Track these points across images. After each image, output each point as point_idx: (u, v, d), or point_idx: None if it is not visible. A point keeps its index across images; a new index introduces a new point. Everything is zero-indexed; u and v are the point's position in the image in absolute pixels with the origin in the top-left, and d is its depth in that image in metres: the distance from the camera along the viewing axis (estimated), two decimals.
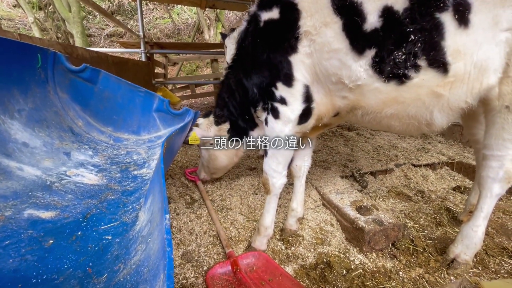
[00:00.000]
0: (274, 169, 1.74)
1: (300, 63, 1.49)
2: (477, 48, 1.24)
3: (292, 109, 1.56)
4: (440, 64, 1.26)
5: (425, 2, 1.23)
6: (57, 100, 1.43)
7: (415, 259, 1.83)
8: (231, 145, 2.10)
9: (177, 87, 7.78)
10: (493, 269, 1.74)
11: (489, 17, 1.22)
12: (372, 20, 1.29)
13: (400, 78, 1.32)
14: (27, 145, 1.10)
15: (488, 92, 1.36)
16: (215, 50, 7.01)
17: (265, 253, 1.83)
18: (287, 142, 1.65)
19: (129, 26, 11.90)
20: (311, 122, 1.61)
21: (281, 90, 1.55)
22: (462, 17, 1.21)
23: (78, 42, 6.08)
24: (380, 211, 2.06)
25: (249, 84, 1.70)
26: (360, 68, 1.36)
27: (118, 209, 1.16)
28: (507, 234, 2.07)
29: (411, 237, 2.01)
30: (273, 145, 1.70)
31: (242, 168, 3.19)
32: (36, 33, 7.55)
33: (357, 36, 1.33)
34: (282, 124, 1.60)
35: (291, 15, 1.47)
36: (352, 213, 2.06)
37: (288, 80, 1.52)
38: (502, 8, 1.21)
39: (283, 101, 1.56)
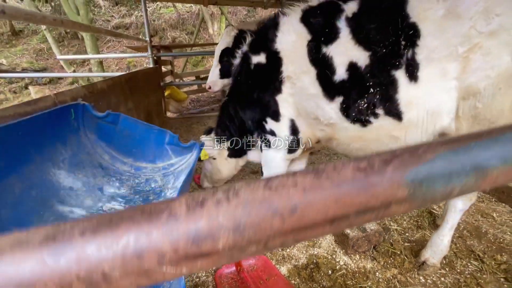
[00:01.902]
0: None
1: (285, 102, 1.74)
2: (428, 97, 1.45)
3: (281, 140, 1.82)
4: (395, 113, 1.48)
5: (382, 60, 1.43)
6: (87, 142, 1.74)
7: (392, 260, 2.13)
8: (232, 161, 2.42)
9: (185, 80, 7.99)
10: (458, 270, 2.03)
11: (437, 71, 1.42)
12: (340, 73, 1.50)
13: (363, 122, 1.55)
14: (72, 189, 1.42)
15: (444, 129, 1.57)
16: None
17: (264, 255, 2.18)
18: (279, 166, 1.93)
19: (133, 17, 11.94)
20: (299, 150, 1.88)
21: (270, 124, 1.81)
22: (412, 74, 1.41)
23: (87, 44, 6.30)
24: None
25: (244, 117, 1.96)
26: (331, 110, 1.60)
27: None
28: (479, 237, 2.34)
29: (391, 240, 2.30)
30: (267, 168, 1.99)
31: (246, 172, 3.50)
32: (49, 39, 7.78)
33: (328, 85, 1.55)
34: (274, 152, 1.87)
35: (275, 61, 1.69)
36: None
37: (276, 116, 1.77)
38: (448, 62, 1.40)
39: (273, 133, 1.83)
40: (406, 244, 2.28)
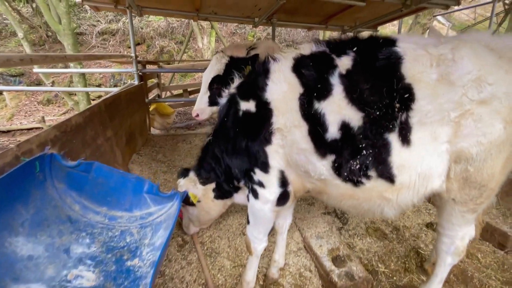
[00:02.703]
0: (256, 236, 1.93)
1: (275, 153, 1.65)
2: (420, 161, 1.42)
3: (269, 192, 1.73)
4: (387, 176, 1.43)
5: (376, 122, 1.38)
6: (55, 193, 1.56)
7: None
8: (219, 202, 2.30)
9: (174, 93, 7.80)
10: None
11: (429, 135, 1.39)
12: (333, 131, 1.44)
13: (355, 182, 1.49)
14: (31, 258, 1.25)
15: (435, 191, 1.54)
16: (209, 60, 6.99)
17: None
18: (266, 217, 1.82)
19: (121, 23, 11.64)
20: (289, 202, 1.79)
21: (259, 175, 1.71)
22: (405, 137, 1.37)
23: (68, 51, 5.99)
24: (353, 262, 2.28)
25: (231, 164, 1.86)
26: (323, 167, 1.53)
27: None
28: (465, 282, 2.32)
29: (379, 287, 2.24)
30: (254, 218, 1.88)
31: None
32: (26, 48, 7.36)
33: (320, 142, 1.49)
34: (262, 203, 1.77)
35: (266, 112, 1.61)
36: (327, 264, 2.28)
37: (265, 167, 1.68)
38: (440, 126, 1.38)
39: (261, 184, 1.72)
40: None
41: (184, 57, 9.73)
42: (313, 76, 1.50)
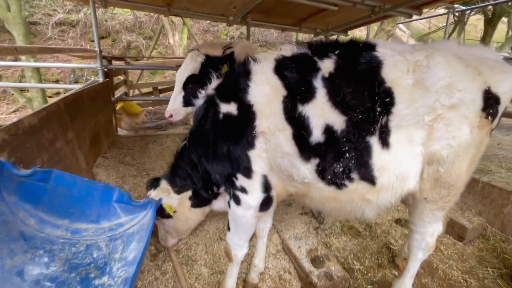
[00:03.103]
0: (237, 243, 1.86)
1: (258, 157, 1.60)
2: (398, 163, 1.47)
3: (252, 197, 1.67)
4: (369, 178, 1.47)
5: (358, 126, 1.40)
6: (4, 206, 1.34)
7: None
8: (197, 210, 2.16)
9: (142, 91, 7.38)
10: None
11: (404, 137, 1.45)
12: (317, 135, 1.44)
13: (338, 185, 1.50)
14: None
15: (410, 191, 1.61)
16: (182, 57, 6.71)
17: None
18: (248, 224, 1.76)
19: (81, 14, 10.72)
20: (272, 207, 1.74)
21: (241, 180, 1.64)
22: (385, 140, 1.42)
23: (19, 43, 5.29)
24: (331, 262, 2.32)
25: (210, 169, 1.76)
26: (307, 170, 1.52)
27: None
28: (432, 274, 2.49)
29: (356, 285, 2.31)
30: (236, 225, 1.81)
31: None
32: None
33: (304, 146, 1.47)
34: (244, 210, 1.70)
35: (248, 115, 1.55)
36: (307, 265, 2.28)
37: (248, 173, 1.62)
38: (415, 129, 1.45)
39: (243, 190, 1.66)
40: (369, 286, 2.31)
41: (153, 54, 9.25)
42: (296, 78, 1.48)
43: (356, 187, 1.49)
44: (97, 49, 4.20)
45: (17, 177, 1.37)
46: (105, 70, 4.41)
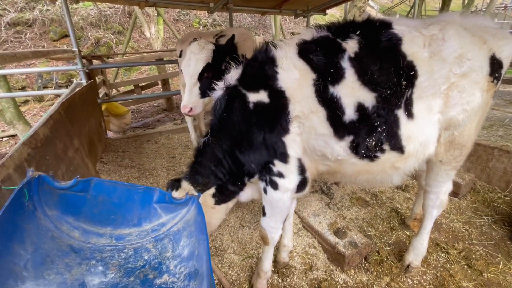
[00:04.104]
0: (273, 226, 1.94)
1: (292, 142, 1.65)
2: (421, 131, 1.61)
3: (289, 181, 1.73)
4: (398, 147, 1.59)
5: (387, 100, 1.50)
6: (48, 222, 1.29)
7: (382, 268, 2.33)
8: (221, 207, 2.10)
9: (120, 90, 7.01)
10: (433, 265, 2.35)
11: (425, 107, 1.58)
12: (350, 113, 1.52)
13: (371, 157, 1.61)
14: None
15: (430, 156, 1.77)
16: (161, 51, 6.39)
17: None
18: (285, 206, 1.84)
19: (36, 11, 9.70)
20: (307, 188, 1.83)
21: (278, 166, 1.70)
22: (409, 112, 1.54)
23: None
24: (352, 231, 2.50)
25: (245, 159, 1.78)
26: (340, 148, 1.61)
27: None
28: (438, 229, 2.76)
29: (376, 248, 2.51)
30: (272, 208, 1.87)
31: None
32: None
33: (338, 125, 1.55)
34: (281, 193, 1.77)
35: (281, 101, 1.58)
36: (331, 238, 2.44)
37: (284, 158, 1.67)
38: (434, 99, 1.58)
39: (281, 175, 1.72)
40: (387, 248, 2.52)
41: (127, 49, 8.73)
42: (323, 61, 1.53)
43: (387, 157, 1.61)
44: (75, 49, 3.91)
45: (58, 190, 1.32)
46: (87, 71, 4.14)
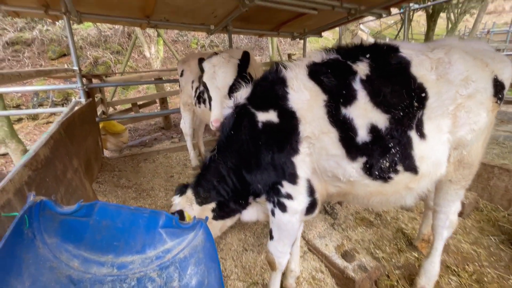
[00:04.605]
0: (280, 251, 1.86)
1: (302, 162, 1.63)
2: (433, 151, 1.61)
3: (298, 202, 1.69)
4: (412, 168, 1.58)
5: (400, 122, 1.51)
6: (47, 252, 1.20)
7: None
8: (217, 223, 2.07)
9: (117, 108, 6.98)
10: None
11: (435, 127, 1.60)
12: (362, 135, 1.51)
13: (385, 178, 1.59)
14: None
15: (441, 175, 1.76)
16: (160, 70, 6.47)
17: None
18: (293, 229, 1.77)
19: (36, 31, 9.84)
20: (317, 210, 1.77)
21: (286, 187, 1.65)
22: (421, 132, 1.54)
23: None
24: (360, 254, 2.41)
25: (251, 179, 1.74)
26: (353, 169, 1.59)
27: None
28: (446, 250, 2.69)
29: (386, 272, 2.42)
30: (280, 232, 1.81)
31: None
32: None
33: (351, 146, 1.54)
34: (290, 215, 1.71)
35: (291, 121, 1.58)
36: (340, 262, 2.35)
37: (293, 179, 1.64)
38: (442, 119, 1.59)
39: (289, 196, 1.67)
40: (397, 271, 2.43)
41: (125, 69, 8.81)
42: (334, 82, 1.54)
43: (401, 178, 1.59)
44: (76, 67, 3.92)
45: (60, 215, 1.24)
46: (86, 90, 4.12)
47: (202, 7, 4.23)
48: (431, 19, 15.47)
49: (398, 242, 2.81)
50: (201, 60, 2.97)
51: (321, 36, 6.88)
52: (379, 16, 5.14)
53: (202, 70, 2.89)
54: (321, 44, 16.34)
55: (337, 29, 11.36)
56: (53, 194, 1.61)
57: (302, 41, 6.99)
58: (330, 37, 16.59)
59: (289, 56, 8.31)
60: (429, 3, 10.03)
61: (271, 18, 5.24)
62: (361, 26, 17.10)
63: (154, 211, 1.49)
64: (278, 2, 3.76)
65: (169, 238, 1.55)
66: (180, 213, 1.88)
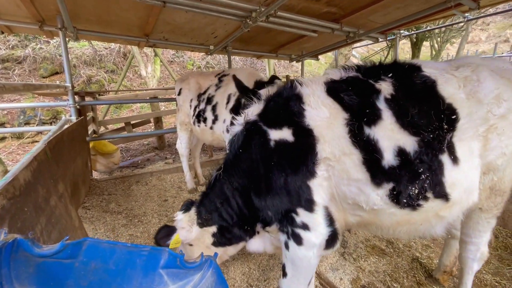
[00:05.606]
0: None
1: (319, 187, 1.45)
2: (465, 176, 1.47)
3: (316, 234, 1.48)
4: (443, 195, 1.43)
5: (429, 145, 1.37)
6: None
7: None
8: (216, 250, 1.86)
9: (108, 128, 6.72)
10: None
11: (466, 150, 1.46)
12: (389, 158, 1.36)
13: (413, 206, 1.42)
14: None
15: (474, 203, 1.60)
16: (155, 89, 6.36)
17: None
18: (311, 266, 1.54)
19: (29, 49, 9.71)
20: (338, 243, 1.57)
21: (302, 216, 1.46)
22: (453, 156, 1.40)
23: None
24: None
25: (260, 204, 1.54)
26: (377, 196, 1.42)
27: None
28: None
29: None
30: (295, 268, 1.57)
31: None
32: None
33: (376, 171, 1.38)
34: (306, 250, 1.49)
35: (308, 140, 1.42)
36: None
37: (310, 205, 1.45)
38: (473, 141, 1.47)
39: (305, 227, 1.47)
40: None
41: (118, 87, 8.68)
42: (356, 100, 1.41)
43: (431, 205, 1.43)
44: (68, 84, 3.74)
45: (37, 258, 0.99)
46: (78, 107, 3.91)
47: (203, 27, 4.22)
48: (415, 46, 16.31)
49: (416, 274, 2.58)
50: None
51: (317, 59, 7.01)
52: (376, 40, 5.27)
53: (242, 92, 2.89)
54: (313, 68, 16.84)
55: (329, 53, 11.77)
56: (31, 228, 1.36)
57: (296, 64, 7.10)
58: (322, 61, 17.15)
59: (287, 78, 8.42)
60: (415, 32, 10.58)
61: (271, 40, 5.29)
62: (353, 52, 17.86)
63: (155, 248, 1.25)
64: (280, 24, 3.77)
65: (171, 280, 1.29)
66: (171, 231, 1.81)
